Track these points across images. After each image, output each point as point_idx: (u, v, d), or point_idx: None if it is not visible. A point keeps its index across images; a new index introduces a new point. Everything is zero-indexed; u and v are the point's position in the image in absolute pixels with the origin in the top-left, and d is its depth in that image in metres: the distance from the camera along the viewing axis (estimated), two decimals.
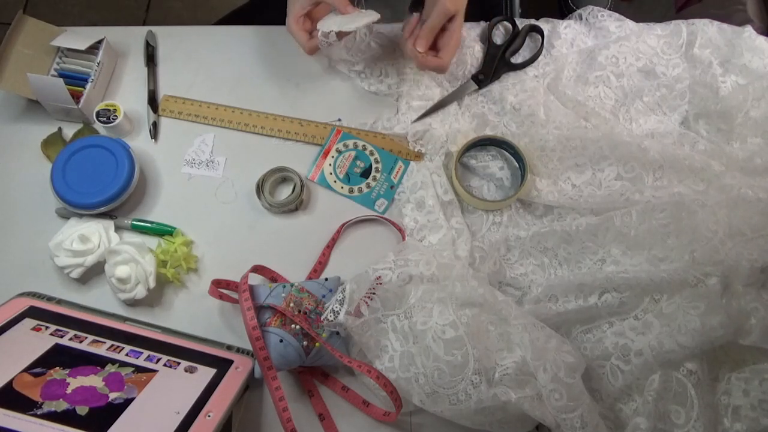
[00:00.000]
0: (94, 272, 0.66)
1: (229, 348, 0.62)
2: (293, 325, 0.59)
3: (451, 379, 0.56)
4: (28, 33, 0.71)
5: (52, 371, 0.50)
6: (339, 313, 0.58)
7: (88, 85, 0.71)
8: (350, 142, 0.73)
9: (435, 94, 0.74)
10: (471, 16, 0.79)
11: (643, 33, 0.76)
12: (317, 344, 0.59)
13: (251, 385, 0.62)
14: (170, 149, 0.73)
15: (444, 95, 0.74)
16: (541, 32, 0.77)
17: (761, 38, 0.74)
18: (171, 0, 1.76)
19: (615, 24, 0.77)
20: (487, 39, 0.77)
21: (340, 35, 0.68)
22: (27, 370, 0.50)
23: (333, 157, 0.72)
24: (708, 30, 0.75)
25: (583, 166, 0.69)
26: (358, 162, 0.72)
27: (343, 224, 0.69)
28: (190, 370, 0.56)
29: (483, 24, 0.80)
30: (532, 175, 0.69)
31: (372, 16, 0.66)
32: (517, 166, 0.71)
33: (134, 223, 0.68)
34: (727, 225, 0.60)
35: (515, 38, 0.77)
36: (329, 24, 0.67)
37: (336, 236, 0.69)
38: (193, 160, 0.72)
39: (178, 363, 0.56)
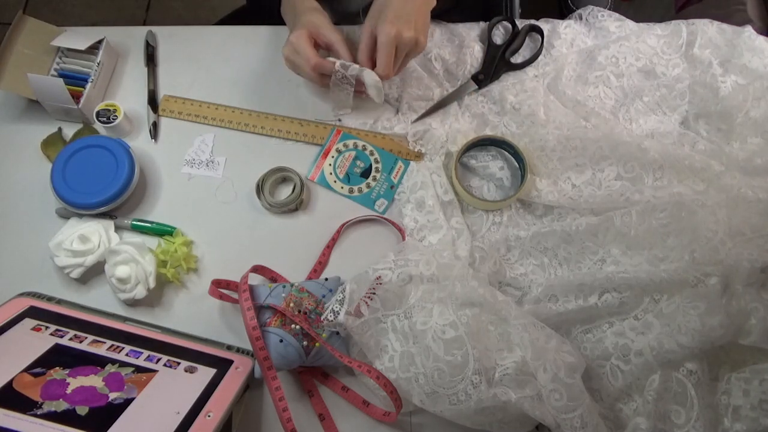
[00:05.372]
0: (94, 272, 0.66)
1: (229, 348, 0.62)
2: (293, 325, 0.59)
3: (451, 379, 0.56)
4: (28, 33, 0.71)
5: (52, 371, 0.50)
6: (339, 313, 0.58)
7: (88, 85, 0.71)
8: (350, 142, 0.73)
9: (435, 94, 0.74)
10: (471, 16, 0.80)
11: (643, 33, 0.76)
12: (317, 344, 0.59)
13: (251, 385, 0.62)
14: (170, 149, 0.73)
15: (444, 95, 0.74)
16: (541, 32, 0.77)
17: (761, 38, 0.74)
18: (171, 0, 1.76)
19: (615, 24, 0.77)
20: (487, 39, 0.77)
21: (359, 84, 0.67)
22: (27, 370, 0.49)
23: (333, 157, 0.72)
24: (708, 30, 0.75)
25: (583, 166, 0.69)
26: (358, 162, 0.72)
27: (343, 224, 0.69)
28: (190, 370, 0.56)
29: (483, 24, 0.80)
30: (532, 175, 0.69)
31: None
32: (517, 166, 0.71)
33: (134, 223, 0.68)
34: (727, 225, 0.60)
35: (515, 38, 0.77)
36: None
37: (336, 236, 0.69)
38: (193, 160, 0.72)
39: (178, 363, 0.56)
